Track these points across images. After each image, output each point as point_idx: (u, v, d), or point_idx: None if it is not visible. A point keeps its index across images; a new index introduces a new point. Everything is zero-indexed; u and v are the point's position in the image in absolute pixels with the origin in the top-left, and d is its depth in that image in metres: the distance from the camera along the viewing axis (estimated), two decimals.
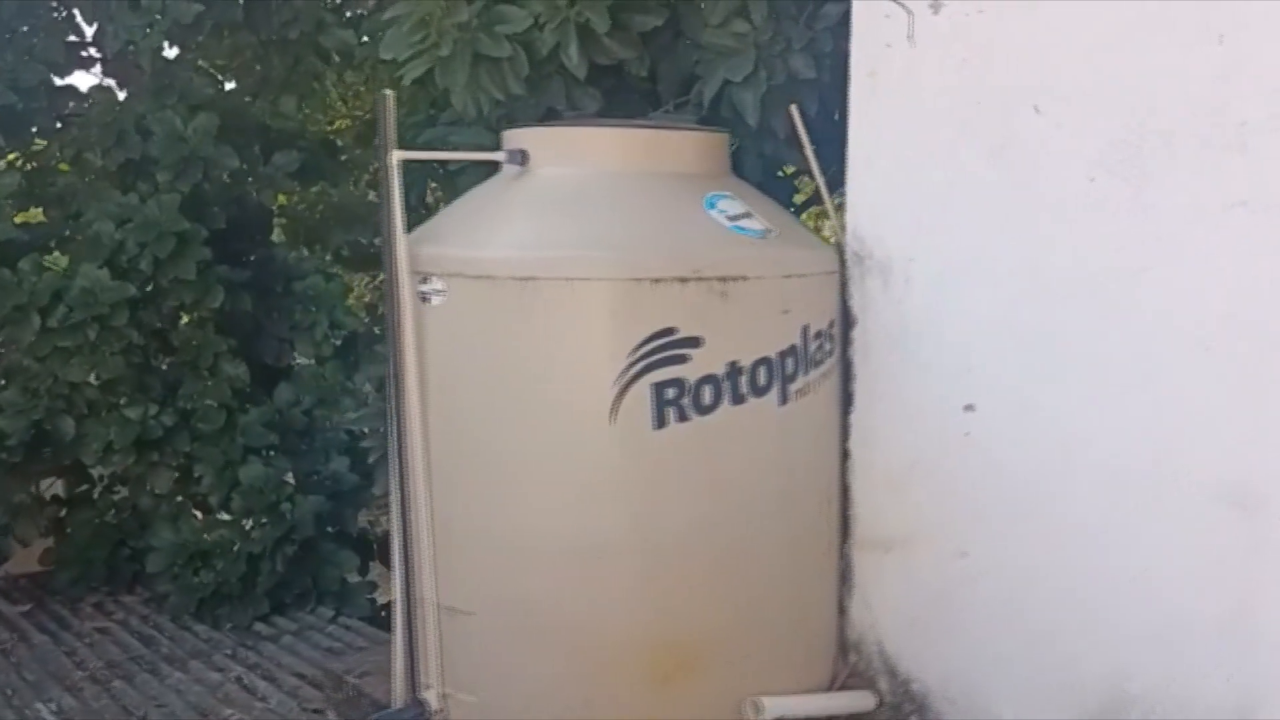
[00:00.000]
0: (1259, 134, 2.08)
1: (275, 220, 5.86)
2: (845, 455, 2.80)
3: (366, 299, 6.36)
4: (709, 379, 2.51)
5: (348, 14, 5.11)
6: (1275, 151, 2.07)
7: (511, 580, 2.59)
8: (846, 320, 2.76)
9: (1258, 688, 2.19)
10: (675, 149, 2.75)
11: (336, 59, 5.41)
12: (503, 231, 2.62)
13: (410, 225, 5.81)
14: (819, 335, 2.67)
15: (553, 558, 2.55)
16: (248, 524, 4.96)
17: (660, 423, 2.49)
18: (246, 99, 5.58)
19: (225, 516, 5.12)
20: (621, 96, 3.73)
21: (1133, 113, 2.24)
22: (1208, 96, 2.15)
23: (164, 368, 5.11)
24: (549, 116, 3.68)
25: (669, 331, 2.47)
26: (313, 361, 5.52)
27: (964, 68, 2.49)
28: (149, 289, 4.87)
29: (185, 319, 5.10)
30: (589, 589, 2.55)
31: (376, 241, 6.08)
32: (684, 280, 2.48)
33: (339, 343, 5.50)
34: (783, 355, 2.59)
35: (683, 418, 2.50)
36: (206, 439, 5.04)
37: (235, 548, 4.91)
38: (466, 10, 3.27)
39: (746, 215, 2.66)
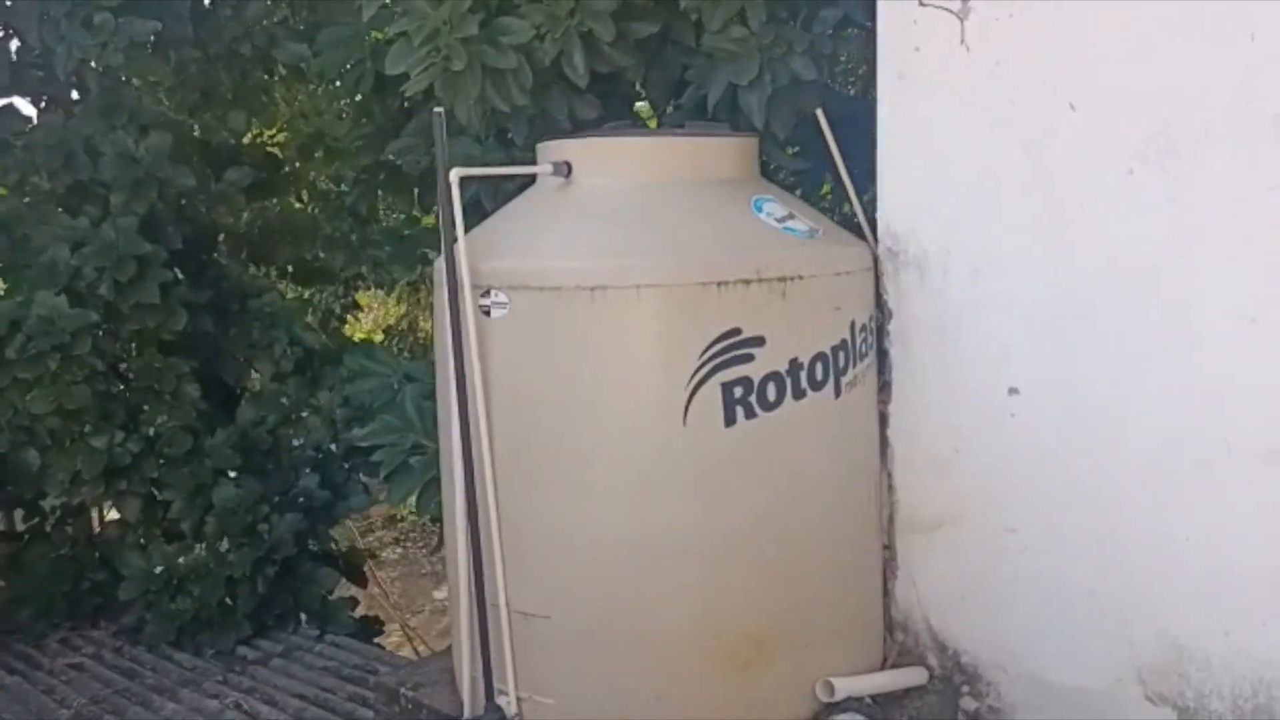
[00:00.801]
0: None
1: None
2: (884, 443, 2.93)
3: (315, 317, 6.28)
4: (773, 376, 2.60)
5: (295, 24, 5.04)
6: None
7: (588, 582, 2.65)
8: (881, 314, 2.88)
9: None
10: (717, 155, 2.84)
11: (283, 72, 5.36)
12: (563, 242, 2.67)
13: (363, 235, 5.75)
14: (863, 329, 2.79)
15: (628, 557, 2.62)
16: (223, 547, 4.89)
17: (730, 421, 2.58)
18: (184, 115, 5.48)
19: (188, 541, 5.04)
20: (611, 103, 3.80)
21: (1169, 108, 2.41)
22: (1241, 91, 2.32)
23: (124, 393, 5.00)
24: (544, 126, 3.75)
25: (735, 332, 2.56)
26: (269, 380, 5.46)
27: (996, 69, 2.63)
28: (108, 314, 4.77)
29: (144, 343, 4.99)
30: (665, 585, 2.62)
31: (322, 255, 6.05)
32: (747, 282, 2.57)
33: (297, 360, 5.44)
34: (835, 350, 2.70)
35: (750, 415, 2.59)
36: (174, 463, 4.96)
37: (212, 571, 4.84)
38: (476, 24, 3.30)
39: (791, 216, 2.77)
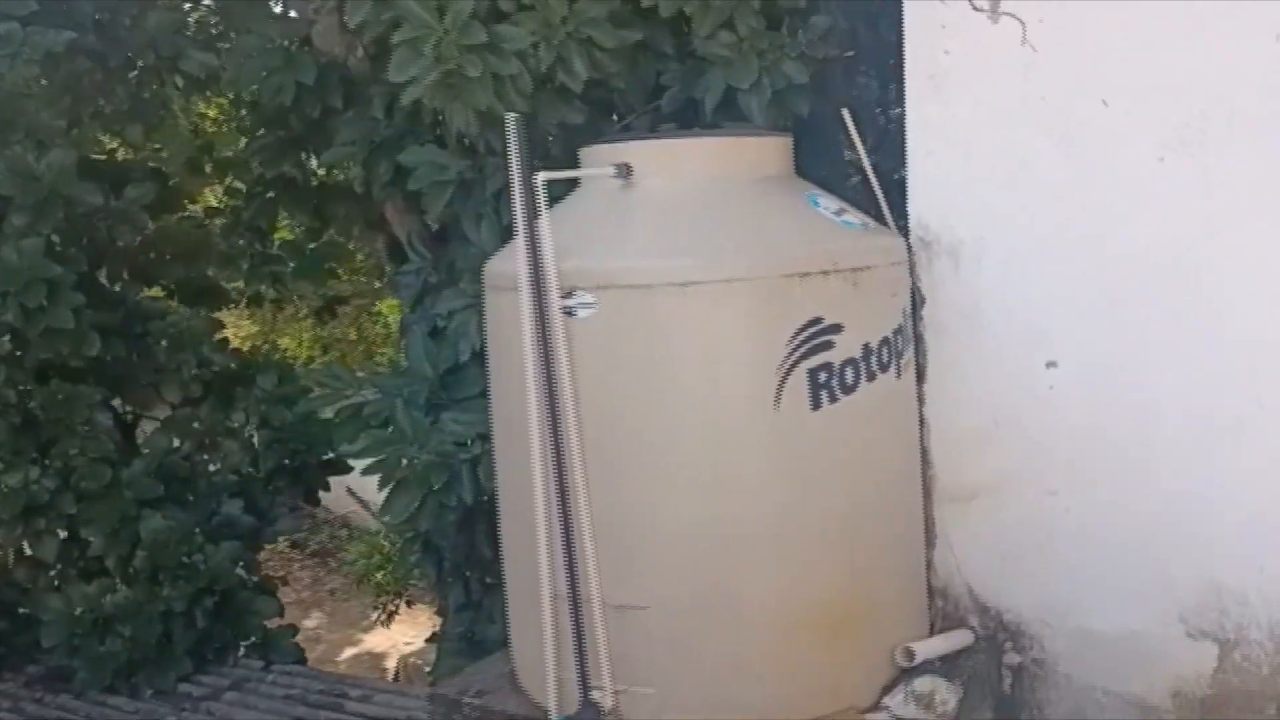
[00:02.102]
0: None
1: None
2: (921, 421, 3.11)
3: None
4: (850, 361, 2.75)
5: (203, 33, 4.87)
6: None
7: (687, 570, 2.72)
8: (914, 300, 3.06)
9: None
10: (767, 153, 2.97)
11: (181, 84, 5.14)
12: (647, 241, 2.73)
13: (263, 250, 5.58)
14: (909, 314, 2.97)
15: (727, 542, 2.71)
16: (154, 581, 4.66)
17: (815, 405, 2.71)
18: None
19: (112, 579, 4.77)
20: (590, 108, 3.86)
21: (1197, 101, 2.67)
22: (1267, 85, 2.61)
23: (32, 426, 4.68)
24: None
25: (818, 321, 2.69)
26: (178, 404, 5.23)
27: (1029, 69, 2.85)
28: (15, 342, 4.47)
29: (51, 371, 4.69)
30: (763, 567, 2.73)
31: (210, 273, 5.82)
32: (826, 273, 2.70)
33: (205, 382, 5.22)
34: (895, 334, 2.87)
35: (833, 399, 2.73)
36: (92, 498, 4.69)
37: (144, 608, 4.60)
38: (482, 31, 3.31)
39: (843, 210, 2.92)
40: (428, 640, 5.99)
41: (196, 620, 4.64)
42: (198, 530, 4.71)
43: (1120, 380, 2.86)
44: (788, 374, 2.67)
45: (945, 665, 2.96)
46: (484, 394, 3.91)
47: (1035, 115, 2.87)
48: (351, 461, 3.87)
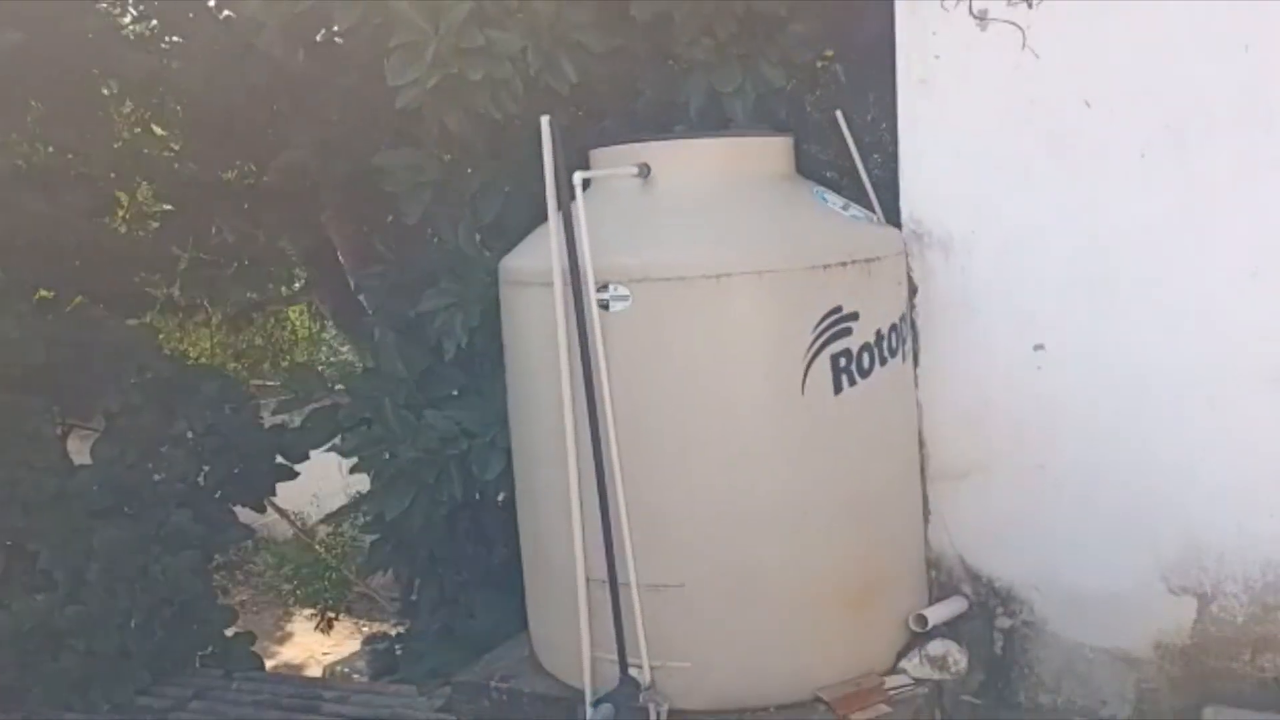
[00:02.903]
0: None
1: None
2: (916, 403, 3.30)
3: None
4: (866, 346, 2.92)
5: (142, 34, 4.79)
6: None
7: (722, 548, 2.85)
8: (909, 289, 3.25)
9: None
10: (776, 153, 3.11)
11: (113, 87, 5.04)
12: (675, 236, 2.85)
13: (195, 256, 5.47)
14: (907, 302, 3.15)
15: (759, 520, 2.85)
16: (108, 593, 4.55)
17: (837, 389, 2.87)
18: None
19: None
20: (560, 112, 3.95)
21: (1177, 103, 2.92)
22: (1240, 89, 2.86)
23: None
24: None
25: (838, 309, 2.86)
26: (117, 412, 5.10)
27: (1016, 72, 3.06)
28: None
29: None
30: (793, 542, 2.88)
31: (137, 280, 5.69)
32: (844, 264, 2.87)
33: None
34: (901, 320, 3.06)
35: (852, 382, 2.89)
36: (39, 509, 4.56)
37: (99, 621, 4.49)
38: (480, 35, 3.38)
39: (848, 205, 3.09)
40: (364, 643, 5.99)
41: (154, 631, 4.55)
42: (152, 540, 4.61)
43: (1104, 360, 3.09)
44: (812, 360, 2.83)
45: (949, 629, 3.15)
46: (465, 391, 3.98)
47: (1025, 117, 3.08)
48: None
